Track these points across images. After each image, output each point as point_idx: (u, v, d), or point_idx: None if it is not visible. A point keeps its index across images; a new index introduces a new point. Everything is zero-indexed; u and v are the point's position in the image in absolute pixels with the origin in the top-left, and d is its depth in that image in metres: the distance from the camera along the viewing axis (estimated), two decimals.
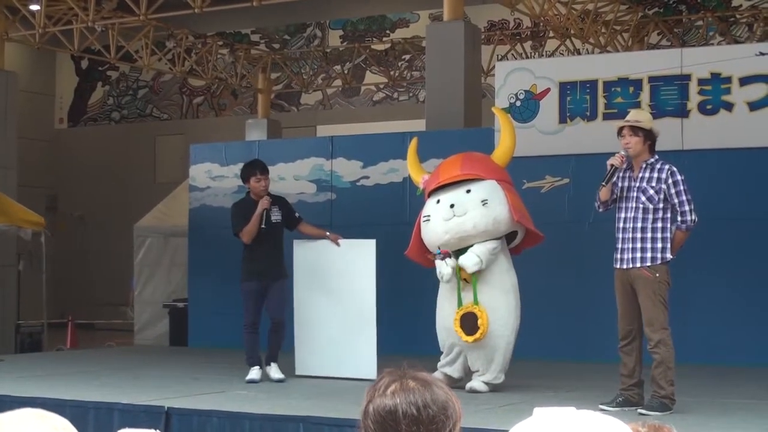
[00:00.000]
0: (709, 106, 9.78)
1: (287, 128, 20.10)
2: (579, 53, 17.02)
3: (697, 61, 9.82)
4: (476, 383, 7.77)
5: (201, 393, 7.83)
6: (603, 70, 10.32)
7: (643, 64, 10.23)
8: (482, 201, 7.77)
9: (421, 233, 8.02)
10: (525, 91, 10.52)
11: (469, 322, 7.71)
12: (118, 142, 22.82)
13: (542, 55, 18.90)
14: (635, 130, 6.84)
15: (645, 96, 9.96)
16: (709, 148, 9.74)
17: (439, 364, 7.96)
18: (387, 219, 11.05)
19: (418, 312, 9.48)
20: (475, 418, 6.10)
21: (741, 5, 17.91)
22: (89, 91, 23.96)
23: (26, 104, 20.88)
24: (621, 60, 11.31)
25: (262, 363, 8.62)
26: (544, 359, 9.82)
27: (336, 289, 8.80)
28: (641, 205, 6.78)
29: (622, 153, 6.84)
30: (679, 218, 6.76)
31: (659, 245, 6.73)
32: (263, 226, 8.56)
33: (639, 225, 6.77)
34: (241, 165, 9.43)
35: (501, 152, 8.24)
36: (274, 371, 8.54)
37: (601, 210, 7.09)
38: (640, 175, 6.83)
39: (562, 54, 17.59)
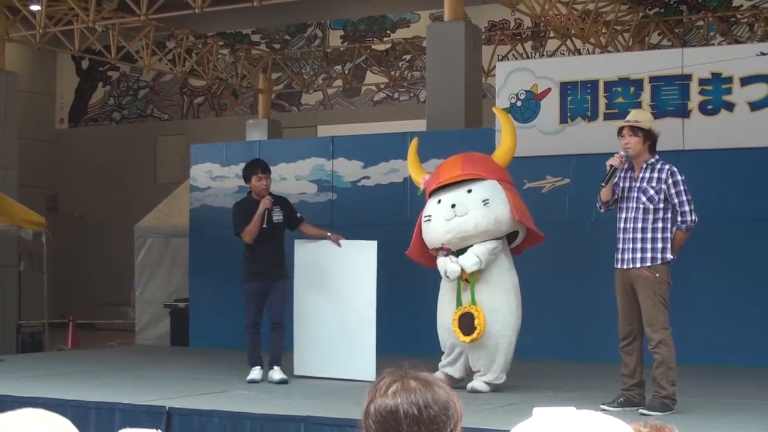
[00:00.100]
0: (710, 106, 9.78)
1: (288, 128, 20.10)
2: (580, 53, 17.03)
3: (698, 61, 9.82)
4: (477, 383, 7.77)
5: (202, 393, 7.83)
6: (604, 70, 10.31)
7: (643, 64, 10.23)
8: (483, 201, 7.78)
9: (422, 233, 8.02)
10: (526, 91, 10.52)
11: (466, 322, 7.71)
12: (119, 143, 22.83)
13: (543, 55, 18.90)
14: (635, 130, 6.84)
15: (646, 96, 9.96)
16: (710, 149, 9.74)
17: (440, 364, 7.96)
18: (388, 219, 11.05)
19: (418, 312, 9.49)
20: (476, 418, 6.10)
21: (742, 5, 17.91)
22: (90, 92, 23.96)
23: (27, 104, 20.89)
24: (622, 60, 11.30)
25: (264, 363, 8.61)
26: (545, 359, 9.82)
27: (336, 290, 8.79)
28: (641, 206, 6.78)
29: (622, 153, 6.84)
30: (679, 218, 6.76)
31: (659, 245, 6.73)
32: (264, 225, 8.55)
33: (639, 225, 6.77)
34: (241, 165, 9.43)
35: (502, 152, 8.24)
36: (277, 374, 8.50)
37: (602, 210, 7.10)
38: (641, 175, 6.83)
39: (563, 54, 17.60)
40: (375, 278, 8.60)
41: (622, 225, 6.87)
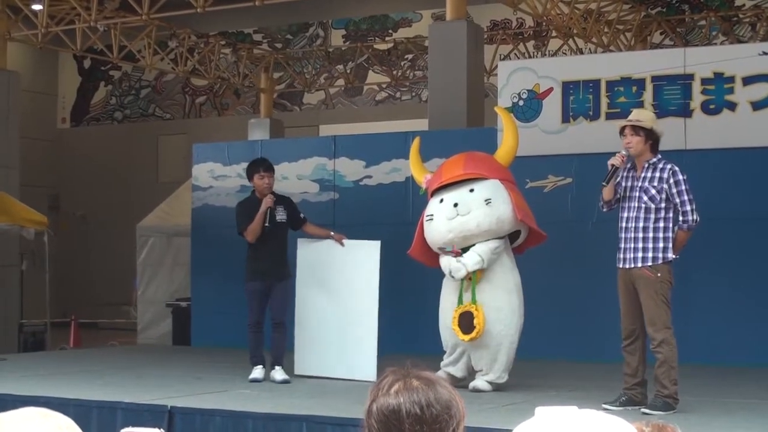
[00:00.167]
0: (712, 106, 9.77)
1: (290, 128, 20.11)
2: (582, 53, 17.03)
3: (700, 60, 9.82)
4: (480, 382, 7.77)
5: (204, 392, 7.84)
6: (606, 70, 10.31)
7: (646, 63, 10.23)
8: (486, 200, 7.77)
9: (424, 232, 8.02)
10: (528, 90, 10.51)
11: (466, 321, 7.71)
12: (121, 142, 22.84)
13: (545, 55, 18.89)
14: (636, 129, 6.84)
15: (648, 95, 9.96)
16: (712, 148, 9.74)
17: (442, 363, 7.96)
18: (389, 218, 11.05)
19: (420, 311, 9.48)
20: (479, 418, 6.10)
21: (744, 5, 17.90)
22: (92, 91, 23.97)
23: (29, 104, 20.91)
24: (624, 59, 11.30)
25: (266, 362, 8.61)
26: (547, 359, 9.82)
27: (338, 290, 8.78)
28: (643, 205, 6.78)
29: (623, 153, 6.83)
30: (680, 218, 6.76)
31: (661, 245, 6.72)
32: (267, 224, 8.54)
33: (641, 225, 6.77)
34: (243, 165, 9.44)
35: (504, 152, 8.23)
36: (279, 374, 8.49)
37: (605, 210, 7.10)
38: (643, 174, 6.82)
39: (565, 53, 17.59)
40: (378, 278, 8.58)
41: (623, 224, 6.87)
